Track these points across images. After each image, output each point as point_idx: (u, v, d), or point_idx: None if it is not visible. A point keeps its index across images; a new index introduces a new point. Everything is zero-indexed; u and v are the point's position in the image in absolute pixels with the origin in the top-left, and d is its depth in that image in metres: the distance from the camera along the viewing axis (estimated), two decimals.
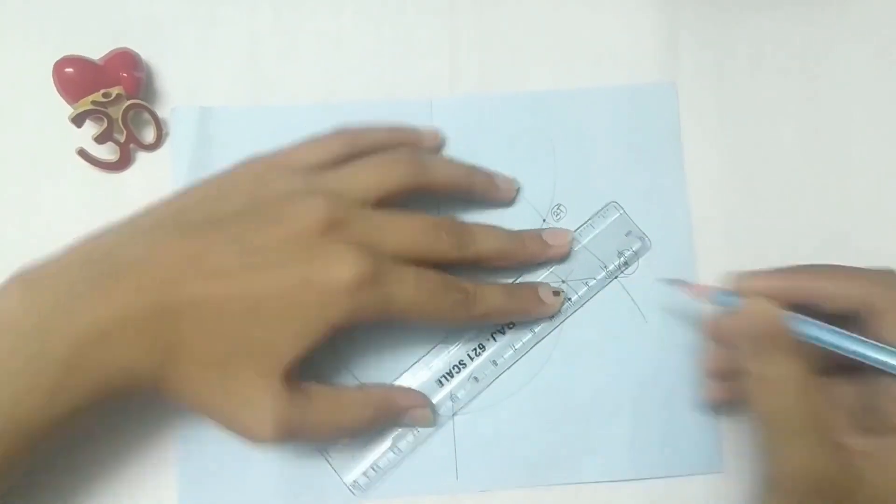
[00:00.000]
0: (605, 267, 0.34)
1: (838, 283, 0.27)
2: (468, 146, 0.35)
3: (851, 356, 0.26)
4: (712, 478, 0.32)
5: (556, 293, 0.33)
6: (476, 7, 0.36)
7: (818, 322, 0.27)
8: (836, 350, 0.27)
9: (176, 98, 0.35)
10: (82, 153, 0.33)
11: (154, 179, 0.34)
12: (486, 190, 0.33)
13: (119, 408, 0.29)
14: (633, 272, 0.34)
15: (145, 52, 0.34)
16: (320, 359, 0.32)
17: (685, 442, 0.33)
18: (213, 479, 0.32)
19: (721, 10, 0.37)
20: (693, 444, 0.33)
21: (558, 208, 0.35)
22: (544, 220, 0.35)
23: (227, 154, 0.33)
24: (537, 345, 0.33)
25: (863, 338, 0.26)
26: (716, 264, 0.31)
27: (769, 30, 0.36)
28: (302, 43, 0.35)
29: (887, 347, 0.26)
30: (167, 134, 0.34)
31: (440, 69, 0.36)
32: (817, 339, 0.27)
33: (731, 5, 0.37)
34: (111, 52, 0.33)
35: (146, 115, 0.34)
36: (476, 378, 0.33)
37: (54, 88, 0.32)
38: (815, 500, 0.25)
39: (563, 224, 0.35)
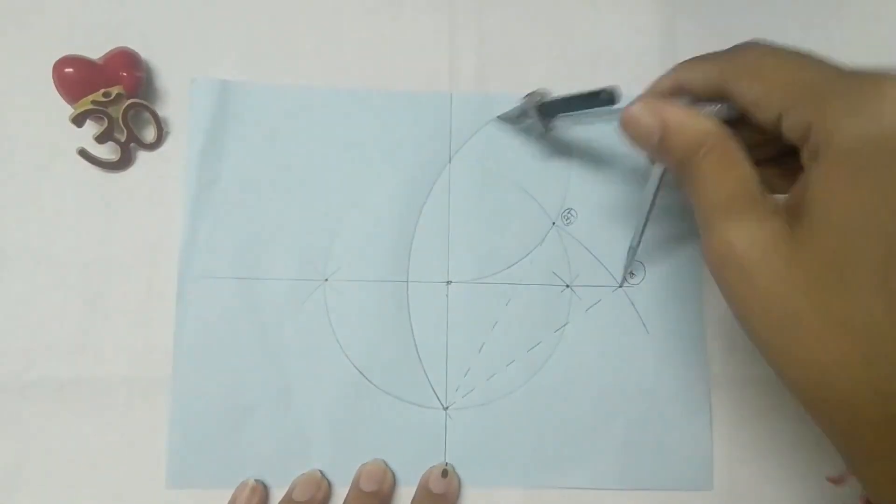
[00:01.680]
0: (611, 274, 0.33)
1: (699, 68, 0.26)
2: (484, 142, 0.34)
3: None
4: (701, 495, 0.32)
5: (445, 473, 0.32)
6: (475, 4, 0.36)
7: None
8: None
9: (175, 97, 0.34)
10: (83, 153, 0.33)
11: (155, 178, 0.34)
12: None
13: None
14: (639, 282, 0.33)
15: (145, 52, 0.34)
16: (319, 349, 0.32)
17: (677, 457, 0.33)
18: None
19: (720, 9, 0.36)
20: (684, 459, 0.33)
21: (569, 213, 0.34)
22: (553, 224, 0.34)
23: (244, 128, 0.34)
24: (536, 346, 0.33)
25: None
26: None
27: (768, 29, 0.35)
28: (302, 43, 0.35)
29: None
30: (167, 133, 0.34)
31: (439, 66, 0.35)
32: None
33: (729, 4, 0.36)
34: (111, 51, 0.33)
35: (146, 115, 0.33)
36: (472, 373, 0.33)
37: (54, 88, 0.32)
38: None
39: (572, 229, 0.34)
